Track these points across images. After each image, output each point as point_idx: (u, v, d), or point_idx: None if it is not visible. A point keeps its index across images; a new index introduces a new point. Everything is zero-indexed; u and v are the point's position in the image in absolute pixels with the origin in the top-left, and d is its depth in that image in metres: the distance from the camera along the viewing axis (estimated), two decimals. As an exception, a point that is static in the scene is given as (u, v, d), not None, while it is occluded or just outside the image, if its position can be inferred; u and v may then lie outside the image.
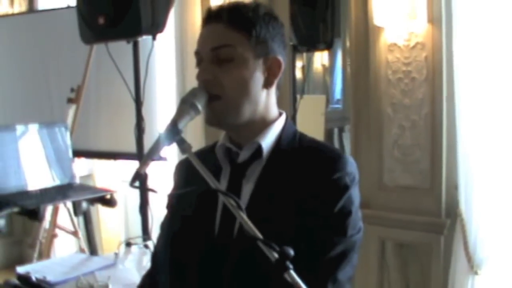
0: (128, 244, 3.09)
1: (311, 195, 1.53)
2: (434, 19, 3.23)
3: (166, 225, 1.80)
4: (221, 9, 1.62)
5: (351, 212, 1.55)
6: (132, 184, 1.46)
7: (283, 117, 1.70)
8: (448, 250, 3.26)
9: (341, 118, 5.79)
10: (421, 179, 3.35)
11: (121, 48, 3.42)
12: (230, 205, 1.35)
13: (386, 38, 3.38)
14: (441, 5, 3.20)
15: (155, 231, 3.41)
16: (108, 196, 3.70)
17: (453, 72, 3.16)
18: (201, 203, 1.65)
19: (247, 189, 1.61)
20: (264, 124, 1.65)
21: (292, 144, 1.66)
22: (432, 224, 3.31)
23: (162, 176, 3.79)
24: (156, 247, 1.87)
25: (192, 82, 4.08)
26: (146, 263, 2.85)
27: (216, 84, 1.57)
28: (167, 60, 4.06)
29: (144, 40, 3.37)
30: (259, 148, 1.63)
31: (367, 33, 3.47)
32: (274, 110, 1.68)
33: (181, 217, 1.69)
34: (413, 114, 3.34)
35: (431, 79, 3.27)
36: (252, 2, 1.68)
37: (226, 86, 1.57)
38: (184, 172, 1.76)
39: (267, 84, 1.63)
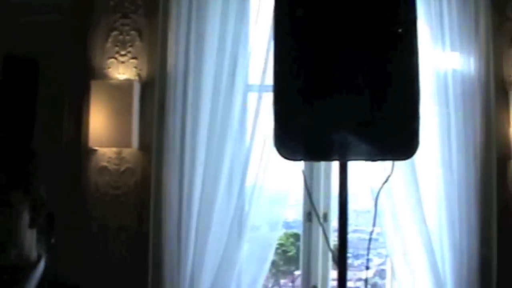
0: None
1: None
2: (145, 146, 3.80)
3: None
4: None
5: None
6: None
7: (43, 258, 1.78)
8: None
9: None
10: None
11: None
12: None
13: (97, 161, 3.82)
14: (153, 134, 3.80)
15: None
16: None
17: (161, 196, 3.74)
18: None
19: None
20: (28, 265, 1.72)
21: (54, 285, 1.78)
22: None
23: None
24: None
25: None
26: None
27: None
28: None
29: None
30: None
31: (78, 154, 3.86)
32: (34, 250, 1.76)
33: None
34: (123, 237, 3.81)
35: (139, 204, 3.80)
36: (6, 142, 1.77)
37: None
38: None
39: (32, 224, 1.71)
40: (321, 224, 3.90)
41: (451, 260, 3.73)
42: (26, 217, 1.68)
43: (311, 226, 4.08)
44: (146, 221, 3.80)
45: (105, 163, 3.83)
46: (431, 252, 3.72)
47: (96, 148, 3.83)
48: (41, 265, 1.76)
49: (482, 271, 3.74)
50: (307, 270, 4.19)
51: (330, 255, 4.04)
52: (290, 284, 6.83)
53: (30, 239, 1.72)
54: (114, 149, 3.82)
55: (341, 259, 2.55)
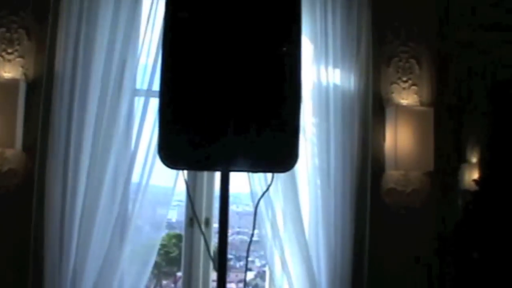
0: None
1: None
2: (29, 147, 3.79)
3: None
4: None
5: None
6: None
7: None
8: None
9: None
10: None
11: None
12: None
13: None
14: (37, 135, 3.79)
15: None
16: None
17: (44, 198, 3.74)
18: None
19: None
20: None
21: None
22: None
23: None
24: None
25: None
26: None
27: None
28: None
29: None
30: None
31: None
32: None
33: None
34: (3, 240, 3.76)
35: (21, 206, 3.77)
36: None
37: None
38: None
39: None
40: (202, 233, 4.07)
41: (326, 267, 3.99)
42: None
43: (193, 230, 4.21)
44: (27, 224, 3.78)
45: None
46: (307, 259, 3.94)
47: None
48: None
49: (354, 276, 4.03)
50: (189, 272, 4.32)
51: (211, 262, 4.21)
52: (172, 285, 6.93)
53: None
54: (-5, 151, 3.78)
55: (221, 268, 2.65)
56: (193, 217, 4.14)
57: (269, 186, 2.92)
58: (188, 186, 3.13)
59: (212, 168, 2.82)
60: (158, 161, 3.83)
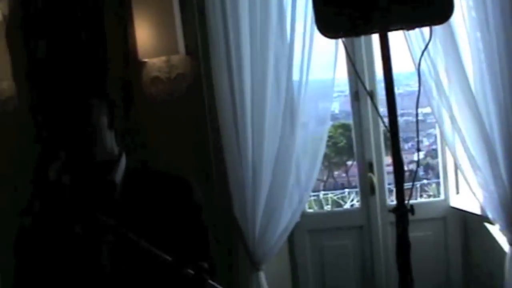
0: None
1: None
2: (191, 51, 4.04)
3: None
4: None
5: None
6: None
7: (123, 154, 2.21)
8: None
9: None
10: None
11: None
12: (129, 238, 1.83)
13: (148, 72, 4.08)
14: (197, 38, 4.03)
15: None
16: None
17: (214, 98, 3.98)
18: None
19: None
20: (112, 160, 2.15)
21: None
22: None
23: None
24: None
25: None
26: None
27: None
28: None
29: None
30: None
31: (128, 68, 4.10)
32: (115, 147, 2.18)
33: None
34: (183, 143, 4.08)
35: (195, 108, 4.07)
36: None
37: None
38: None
39: (111, 125, 2.13)
40: (368, 93, 4.10)
41: (497, 120, 3.88)
42: (105, 119, 2.09)
43: (360, 106, 4.35)
44: (204, 126, 4.07)
45: (156, 73, 4.08)
46: (477, 114, 3.88)
47: (146, 60, 4.07)
48: (123, 159, 2.19)
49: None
50: (362, 158, 4.46)
51: (381, 128, 4.33)
52: (344, 174, 7.19)
53: (110, 138, 2.13)
54: (163, 58, 4.05)
55: (392, 124, 2.75)
56: (357, 90, 4.28)
57: (428, 41, 2.94)
58: (346, 47, 3.18)
59: (369, 31, 2.85)
60: (315, 54, 3.98)
